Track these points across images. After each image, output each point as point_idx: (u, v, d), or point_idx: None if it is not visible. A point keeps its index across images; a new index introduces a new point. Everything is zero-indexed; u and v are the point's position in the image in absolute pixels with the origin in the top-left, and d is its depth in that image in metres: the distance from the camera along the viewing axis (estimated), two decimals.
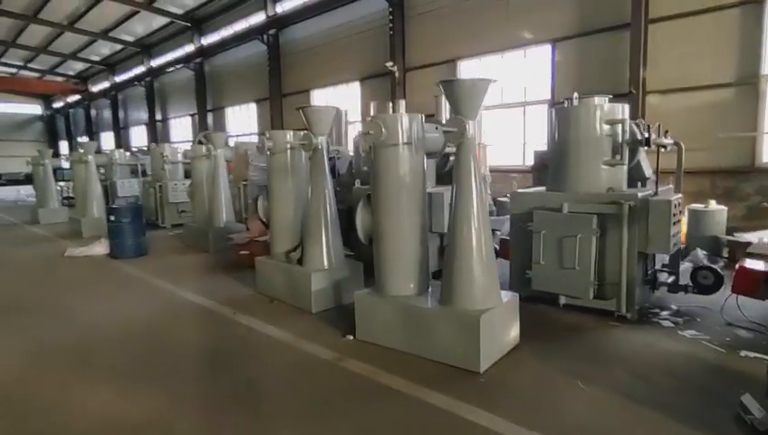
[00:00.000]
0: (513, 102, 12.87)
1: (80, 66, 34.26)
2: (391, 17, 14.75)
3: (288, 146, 6.38)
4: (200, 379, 4.19)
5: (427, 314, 4.38)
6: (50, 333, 5.37)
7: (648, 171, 6.32)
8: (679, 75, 9.91)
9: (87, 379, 4.26)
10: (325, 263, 5.92)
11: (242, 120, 22.54)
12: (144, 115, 29.71)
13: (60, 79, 35.63)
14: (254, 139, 21.15)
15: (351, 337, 4.89)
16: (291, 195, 6.43)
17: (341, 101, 16.94)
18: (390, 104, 13.13)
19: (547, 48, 11.89)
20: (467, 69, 13.68)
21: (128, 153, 17.86)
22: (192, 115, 25.50)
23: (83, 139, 37.41)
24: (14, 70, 34.32)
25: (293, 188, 6.44)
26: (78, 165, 12.89)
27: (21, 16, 23.71)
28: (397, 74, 14.76)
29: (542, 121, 11.96)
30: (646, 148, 5.62)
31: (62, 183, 20.14)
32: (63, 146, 40.81)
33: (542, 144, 9.24)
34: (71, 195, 21.55)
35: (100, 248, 9.64)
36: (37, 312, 6.15)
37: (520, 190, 6.12)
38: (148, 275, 7.81)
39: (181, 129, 27.31)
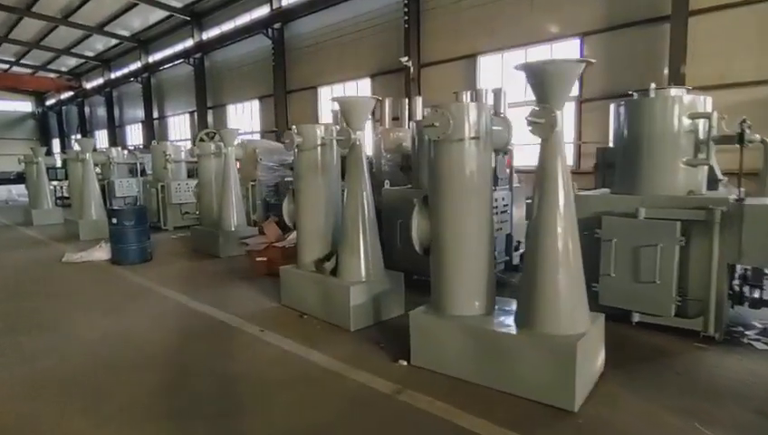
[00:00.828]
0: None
1: (73, 62, 33.36)
2: (406, 9, 14.08)
3: (319, 142, 5.69)
4: (235, 418, 3.48)
5: (505, 341, 3.70)
6: (48, 355, 4.63)
7: (719, 172, 5.67)
8: (720, 71, 9.32)
9: (93, 419, 3.53)
10: (363, 274, 5.23)
11: (244, 118, 21.78)
12: (140, 113, 28.87)
13: (53, 75, 34.69)
14: (256, 137, 20.45)
15: (405, 363, 4.21)
16: (321, 197, 5.74)
17: None
18: (406, 101, 12.51)
19: (575, 43, 11.28)
20: (487, 65, 13.05)
21: (125, 151, 17.11)
22: (191, 113, 24.71)
23: (77, 137, 36.47)
24: (5, 66, 33.29)
25: (324, 190, 5.75)
26: (74, 164, 12.14)
27: (14, 10, 22.82)
28: (411, 70, 14.09)
29: (570, 118, 11.40)
30: (739, 145, 4.96)
31: (54, 182, 19.32)
32: (56, 144, 39.79)
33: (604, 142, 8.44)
34: (65, 195, 20.79)
35: (101, 253, 8.89)
36: (33, 328, 5.41)
37: (583, 193, 5.45)
38: (156, 285, 7.09)
39: (179, 127, 26.50)
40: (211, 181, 9.69)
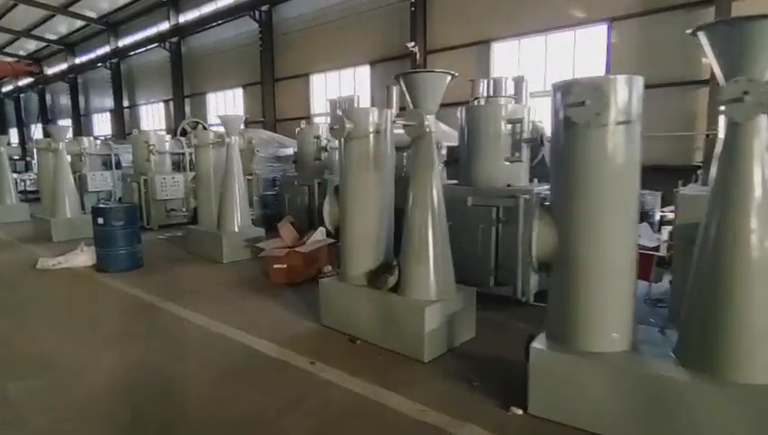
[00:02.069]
0: None
1: (33, 45, 31.03)
2: None
3: (372, 129, 4.68)
4: None
5: (684, 391, 2.81)
6: (40, 411, 3.49)
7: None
8: None
9: None
10: (434, 291, 4.26)
11: (226, 108, 20.38)
12: (109, 101, 26.98)
13: (10, 59, 32.13)
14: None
15: (521, 411, 3.27)
16: (374, 196, 4.74)
17: (347, 86, 15.21)
18: None
19: (601, 28, 10.52)
20: (502, 52, 12.19)
21: (98, 142, 15.58)
22: (166, 101, 23.09)
23: (36, 126, 34.03)
24: None
25: (378, 187, 4.74)
26: (45, 154, 10.69)
27: None
28: (418, 57, 13.12)
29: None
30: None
31: (15, 175, 17.57)
32: (13, 134, 37.10)
33: None
34: (28, 189, 19.01)
35: (84, 258, 7.63)
36: (16, 366, 4.24)
37: (688, 192, 4.56)
38: (159, 299, 5.93)
39: (153, 116, 24.81)
40: (209, 175, 8.51)
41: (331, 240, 7.06)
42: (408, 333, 4.17)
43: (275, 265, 6.55)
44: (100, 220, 7.16)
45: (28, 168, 25.17)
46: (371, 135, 4.67)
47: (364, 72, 14.98)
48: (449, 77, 4.40)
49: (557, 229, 3.22)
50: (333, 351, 4.35)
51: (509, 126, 5.62)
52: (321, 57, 15.96)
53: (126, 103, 26.07)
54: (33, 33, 27.80)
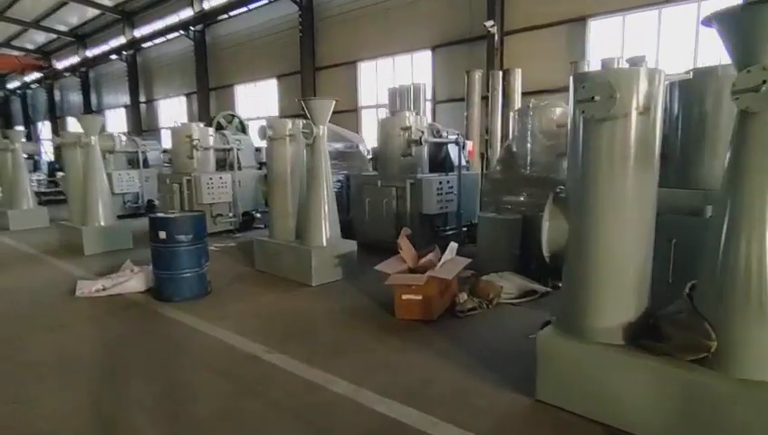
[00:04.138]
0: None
1: (42, 38, 29.34)
2: None
3: (640, 104, 2.96)
4: None
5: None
6: None
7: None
8: None
9: None
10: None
11: (257, 100, 18.70)
12: (123, 96, 25.30)
13: (17, 53, 30.44)
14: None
15: None
16: (638, 205, 3.03)
17: (403, 74, 13.54)
18: (500, 75, 9.95)
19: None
20: (601, 30, 10.48)
21: (123, 137, 13.92)
22: (188, 95, 21.40)
23: (44, 123, 32.40)
24: None
25: (644, 192, 3.03)
26: (73, 151, 9.00)
27: None
28: (496, 38, 11.41)
29: None
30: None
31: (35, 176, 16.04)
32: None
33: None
34: (43, 190, 17.42)
35: (135, 282, 5.95)
36: None
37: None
38: (260, 347, 4.23)
39: (173, 111, 23.11)
40: (287, 175, 6.81)
41: (467, 260, 5.39)
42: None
43: (405, 296, 4.86)
44: (162, 234, 5.47)
45: (37, 167, 23.54)
46: (634, 114, 2.95)
47: (424, 57, 13.27)
48: None
49: (570, 219, 2.78)
50: None
51: None
52: (372, 42, 14.25)
53: (143, 98, 24.39)
54: (41, 23, 26.12)
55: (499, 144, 10.07)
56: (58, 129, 32.33)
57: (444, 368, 3.84)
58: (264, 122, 7.12)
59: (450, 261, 5.21)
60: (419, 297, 4.79)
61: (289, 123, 6.78)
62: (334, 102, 6.39)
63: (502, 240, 6.28)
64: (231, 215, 10.07)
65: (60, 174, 21.43)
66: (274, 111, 17.90)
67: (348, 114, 14.05)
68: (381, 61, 14.35)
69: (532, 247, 6.38)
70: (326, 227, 6.40)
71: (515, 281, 5.72)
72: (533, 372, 3.28)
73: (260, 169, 11.58)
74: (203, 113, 19.38)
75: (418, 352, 4.15)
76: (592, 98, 2.79)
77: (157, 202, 13.30)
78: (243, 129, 13.41)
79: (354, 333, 4.59)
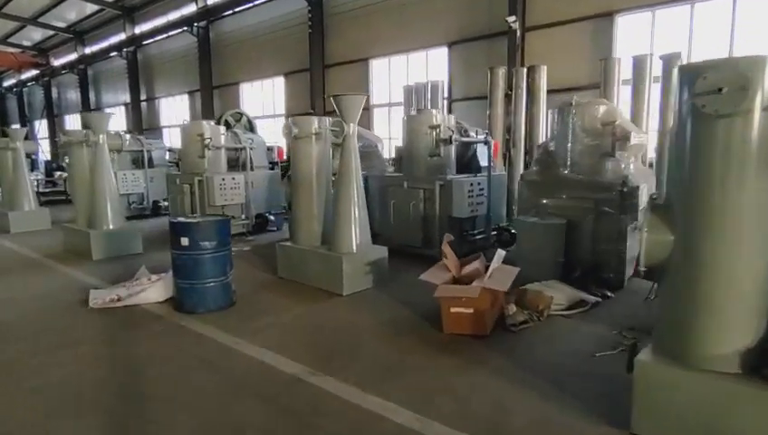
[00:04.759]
0: None
1: (39, 35, 28.73)
2: None
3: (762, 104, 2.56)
4: None
5: None
6: None
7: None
8: None
9: None
10: None
11: (263, 98, 18.25)
12: (123, 94, 24.76)
13: (13, 50, 29.82)
14: (281, 120, 17.02)
15: None
16: (761, 216, 2.63)
17: (417, 71, 13.14)
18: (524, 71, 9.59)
19: None
20: (628, 26, 10.08)
21: (128, 136, 13.45)
22: (191, 93, 20.91)
23: (41, 122, 31.79)
24: None
25: (764, 199, 2.64)
26: (79, 149, 8.54)
27: None
28: (518, 34, 11.01)
29: None
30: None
31: (33, 175, 15.54)
32: None
33: None
34: (42, 190, 16.91)
35: (153, 292, 5.50)
36: None
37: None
38: (302, 369, 3.81)
39: (174, 110, 22.62)
40: (311, 176, 6.37)
41: (517, 269, 4.98)
42: None
43: (455, 309, 4.45)
44: (185, 241, 5.03)
45: (34, 166, 22.99)
46: (759, 109, 2.55)
47: (440, 54, 12.86)
48: None
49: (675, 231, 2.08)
50: None
51: None
52: (385, 39, 13.82)
53: (143, 96, 23.86)
54: (39, 20, 25.54)
55: (522, 144, 9.67)
56: (55, 127, 31.77)
57: (512, 392, 3.43)
58: (280, 121, 6.71)
59: (499, 270, 4.81)
60: (470, 310, 4.38)
61: (315, 121, 6.35)
62: (365, 98, 5.97)
63: (545, 246, 5.87)
64: (244, 217, 9.64)
65: (58, 174, 20.99)
66: (281, 110, 17.46)
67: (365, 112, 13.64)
68: (395, 58, 13.92)
69: (577, 254, 6.01)
70: (356, 232, 5.98)
71: (564, 291, 5.32)
72: (617, 398, 2.90)
73: (272, 169, 11.16)
74: (206, 112, 18.90)
75: (477, 373, 3.75)
76: (719, 90, 2.39)
77: (162, 203, 12.88)
78: (251, 127, 12.95)
79: (401, 351, 4.18)
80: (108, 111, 26.78)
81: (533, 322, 4.78)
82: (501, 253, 4.99)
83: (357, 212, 5.96)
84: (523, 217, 6.25)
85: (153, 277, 5.72)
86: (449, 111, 12.33)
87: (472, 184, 7.20)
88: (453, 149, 7.65)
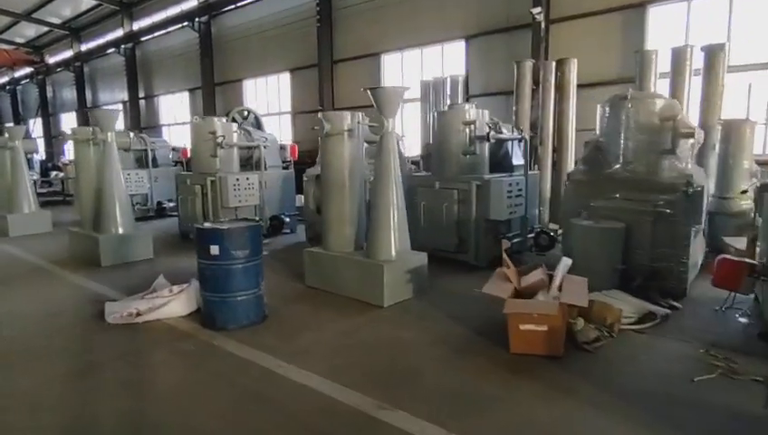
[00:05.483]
0: None
1: (33, 31, 27.99)
2: None
3: None
4: None
5: None
6: None
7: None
8: None
9: None
10: None
11: (267, 96, 17.69)
12: (120, 92, 24.09)
13: (7, 47, 29.01)
14: (287, 117, 16.50)
15: None
16: None
17: (432, 66, 12.65)
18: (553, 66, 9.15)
19: None
20: (661, 17, 9.63)
21: (131, 134, 12.90)
22: (191, 90, 20.30)
23: (35, 121, 31.04)
24: None
25: None
26: (85, 148, 7.98)
27: None
28: (543, 26, 10.54)
29: None
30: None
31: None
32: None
33: None
34: (39, 190, 16.27)
35: (177, 306, 4.98)
36: None
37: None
38: (360, 399, 3.31)
39: (174, 108, 22.00)
40: (343, 177, 5.84)
41: (585, 279, 4.51)
42: None
43: (525, 327, 3.96)
44: (215, 250, 4.51)
45: (30, 166, 22.30)
46: None
47: (457, 48, 12.35)
48: None
49: None
50: None
51: None
52: (397, 33, 13.29)
53: (142, 94, 23.22)
54: (33, 15, 24.80)
55: (551, 141, 9.21)
56: (50, 126, 31.03)
57: (616, 428, 2.95)
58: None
59: (569, 281, 4.33)
60: (544, 328, 3.90)
61: (348, 117, 5.84)
62: (405, 91, 5.48)
63: (601, 253, 5.39)
64: (258, 219, 9.12)
65: (54, 173, 20.35)
66: (287, 107, 16.91)
67: (370, 109, 13.11)
68: (407, 52, 13.41)
69: (634, 260, 5.54)
70: (395, 238, 5.48)
71: (631, 302, 4.85)
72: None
73: (286, 168, 10.64)
74: (208, 109, 18.31)
75: (566, 404, 3.26)
76: None
77: (166, 204, 12.34)
78: (258, 125, 12.41)
79: (470, 375, 3.69)
80: (104, 109, 26.13)
81: (605, 338, 4.30)
82: (567, 261, 4.51)
83: (396, 216, 5.47)
84: (574, 220, 5.76)
85: (174, 289, 5.20)
86: None
87: (510, 184, 6.72)
88: (486, 147, 7.17)
